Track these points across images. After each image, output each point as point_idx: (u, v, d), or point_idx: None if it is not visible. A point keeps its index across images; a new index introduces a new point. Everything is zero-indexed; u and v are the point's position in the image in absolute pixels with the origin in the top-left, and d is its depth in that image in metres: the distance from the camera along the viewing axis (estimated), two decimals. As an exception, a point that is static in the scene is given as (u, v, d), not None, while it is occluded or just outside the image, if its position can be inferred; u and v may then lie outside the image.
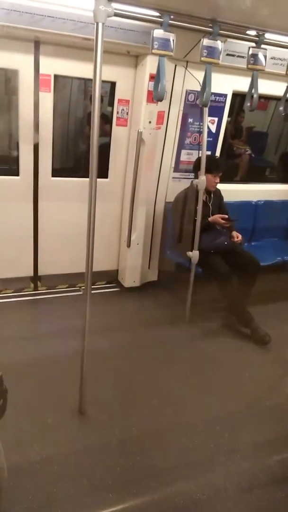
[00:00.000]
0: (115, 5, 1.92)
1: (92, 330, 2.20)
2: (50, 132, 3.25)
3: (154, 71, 2.58)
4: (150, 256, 3.86)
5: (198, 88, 2.91)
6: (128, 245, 3.64)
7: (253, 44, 2.67)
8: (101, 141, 3.20)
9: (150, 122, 3.28)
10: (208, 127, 3.56)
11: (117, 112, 3.41)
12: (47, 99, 3.13)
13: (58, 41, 2.88)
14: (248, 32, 2.64)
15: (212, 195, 3.46)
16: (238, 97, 3.83)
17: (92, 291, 2.15)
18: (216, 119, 3.65)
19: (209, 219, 3.33)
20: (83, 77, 3.25)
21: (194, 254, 3.18)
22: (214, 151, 3.76)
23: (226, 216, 3.36)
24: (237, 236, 3.39)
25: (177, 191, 3.53)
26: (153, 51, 2.39)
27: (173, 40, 2.38)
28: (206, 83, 2.73)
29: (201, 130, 3.26)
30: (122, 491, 1.90)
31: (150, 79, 3.11)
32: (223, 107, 3.65)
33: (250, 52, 2.65)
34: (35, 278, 3.64)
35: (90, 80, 1.92)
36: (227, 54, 3.09)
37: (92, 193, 1.98)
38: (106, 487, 1.91)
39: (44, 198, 3.40)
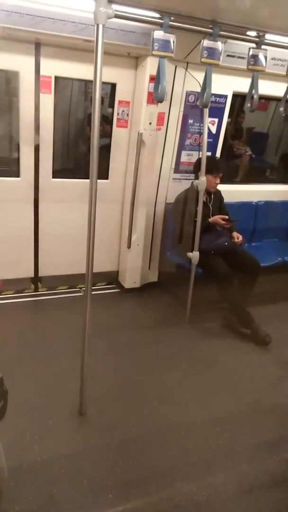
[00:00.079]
0: (115, 6, 1.93)
1: (92, 331, 2.20)
2: (50, 133, 3.26)
3: (154, 73, 2.58)
4: (151, 257, 3.86)
5: (199, 89, 2.91)
6: (129, 246, 3.64)
7: (254, 45, 2.67)
8: (101, 142, 3.21)
9: (150, 123, 3.28)
10: (209, 128, 3.56)
11: (118, 114, 3.42)
12: (47, 101, 3.14)
13: (58, 42, 2.89)
14: (248, 33, 2.64)
15: (212, 196, 3.46)
16: (239, 98, 3.83)
17: (93, 292, 2.15)
18: (216, 120, 3.65)
19: (210, 220, 3.33)
20: (84, 78, 3.26)
21: (195, 255, 3.18)
22: (214, 152, 3.77)
23: (227, 217, 3.36)
24: (238, 237, 3.39)
25: (177, 192, 3.53)
26: (153, 52, 2.40)
27: (173, 41, 2.38)
28: (206, 84, 2.73)
29: (202, 131, 3.27)
30: (122, 491, 1.90)
31: (150, 80, 3.11)
32: (224, 108, 3.65)
33: (251, 53, 2.66)
34: (36, 279, 3.65)
35: (90, 81, 1.93)
36: (228, 55, 3.10)
37: (93, 194, 1.98)
38: (106, 487, 1.91)
39: (44, 199, 3.40)
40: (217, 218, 3.33)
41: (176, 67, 3.23)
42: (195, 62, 2.93)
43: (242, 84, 3.20)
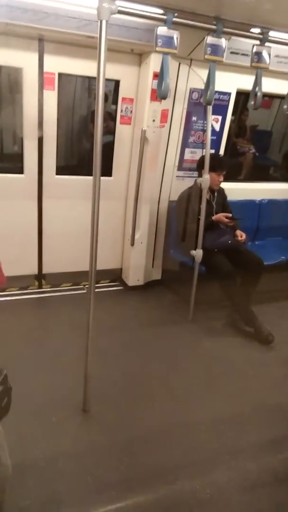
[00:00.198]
0: (118, 2, 1.92)
1: (96, 329, 2.20)
2: (54, 130, 3.26)
3: (158, 69, 2.58)
4: (154, 255, 3.85)
5: (202, 86, 2.90)
6: (132, 244, 3.64)
7: (257, 42, 2.65)
8: (105, 139, 3.20)
9: (154, 120, 3.27)
10: (212, 126, 3.55)
11: (121, 111, 3.41)
12: (51, 97, 3.13)
13: (62, 39, 2.88)
14: (252, 30, 2.63)
15: (215, 194, 3.45)
16: (242, 96, 3.82)
17: (96, 290, 2.16)
18: (220, 117, 3.64)
19: (213, 218, 3.32)
20: (87, 75, 3.25)
21: (198, 253, 3.17)
22: (218, 149, 3.75)
23: (230, 215, 3.35)
24: (241, 235, 3.38)
25: (180, 190, 3.52)
26: (157, 48, 2.39)
27: (177, 38, 2.37)
28: (210, 81, 2.72)
29: (205, 128, 3.26)
30: (126, 489, 1.91)
31: (154, 77, 3.10)
32: (227, 106, 3.63)
33: (254, 50, 2.64)
34: (40, 276, 3.65)
35: (94, 78, 1.91)
36: (231, 52, 3.08)
37: (96, 192, 1.98)
38: (110, 485, 1.91)
39: (48, 196, 3.40)
40: (220, 216, 3.32)
41: (179, 64, 3.22)
42: (199, 59, 2.92)
43: (245, 82, 3.18)
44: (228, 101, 3.62)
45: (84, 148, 3.71)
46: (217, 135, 3.69)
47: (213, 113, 3.36)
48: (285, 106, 3.10)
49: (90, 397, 2.32)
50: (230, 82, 3.50)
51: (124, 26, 2.75)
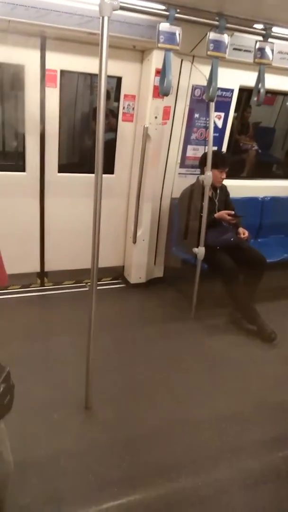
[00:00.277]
0: (121, -2, 1.91)
1: (98, 326, 2.20)
2: (56, 127, 3.25)
3: (160, 66, 2.57)
4: (156, 252, 3.85)
5: (205, 83, 2.89)
6: (134, 241, 3.64)
7: (260, 38, 2.64)
8: (107, 136, 3.18)
9: (156, 117, 3.26)
10: (215, 123, 3.54)
11: (123, 108, 3.40)
12: (53, 95, 3.13)
13: (63, 36, 2.87)
14: (255, 25, 2.62)
15: (218, 191, 3.44)
16: (245, 92, 3.79)
17: (98, 287, 2.15)
18: (222, 114, 3.62)
19: (215, 215, 3.31)
20: (89, 72, 3.24)
21: (200, 250, 3.17)
22: (220, 146, 3.74)
23: (233, 212, 3.34)
24: (244, 233, 3.37)
25: (183, 187, 3.51)
26: (159, 45, 2.38)
27: (179, 34, 2.37)
28: (212, 77, 2.71)
29: (207, 125, 3.24)
30: (128, 486, 1.91)
31: (156, 74, 3.08)
32: (230, 102, 3.62)
33: (257, 46, 2.63)
34: (42, 274, 3.66)
35: (96, 75, 1.90)
36: (234, 49, 3.06)
37: (98, 189, 1.98)
38: (112, 482, 1.91)
39: (50, 194, 3.40)
40: (223, 214, 3.31)
41: (182, 60, 3.20)
42: (201, 56, 2.90)
43: (248, 78, 3.17)
44: (231, 97, 3.60)
45: (86, 145, 3.70)
46: (220, 132, 3.68)
47: (216, 110, 3.35)
48: (288, 103, 3.08)
49: (92, 394, 2.32)
50: (232, 79, 3.48)
51: (126, 22, 2.73)
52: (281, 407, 2.54)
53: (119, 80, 3.33)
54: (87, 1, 2.61)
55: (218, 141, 3.67)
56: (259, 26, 2.62)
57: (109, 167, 3.50)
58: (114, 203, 3.62)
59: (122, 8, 1.94)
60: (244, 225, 3.44)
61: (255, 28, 2.64)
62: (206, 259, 3.20)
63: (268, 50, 2.66)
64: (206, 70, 2.83)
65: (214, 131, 3.43)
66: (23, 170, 3.27)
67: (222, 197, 3.48)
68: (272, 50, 2.67)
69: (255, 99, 2.84)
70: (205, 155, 3.18)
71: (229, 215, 3.30)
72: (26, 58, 2.97)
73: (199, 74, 3.18)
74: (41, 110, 3.11)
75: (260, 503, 1.92)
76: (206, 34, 2.54)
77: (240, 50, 3.14)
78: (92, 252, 2.07)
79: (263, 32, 2.63)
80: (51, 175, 3.35)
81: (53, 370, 2.60)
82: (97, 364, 2.28)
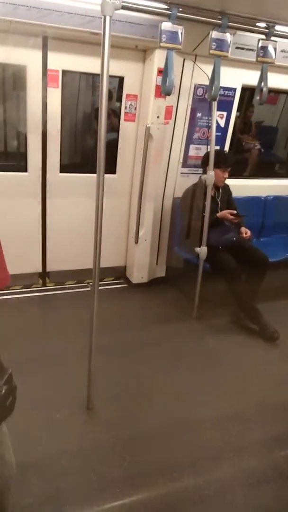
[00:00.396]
0: (122, -2, 1.91)
1: (100, 326, 2.20)
2: (58, 127, 3.25)
3: (162, 66, 2.56)
4: (158, 252, 3.85)
5: (207, 82, 2.88)
6: (136, 241, 3.63)
7: (263, 37, 2.63)
8: (109, 136, 3.18)
9: (158, 117, 3.26)
10: (217, 122, 3.53)
11: (125, 107, 3.39)
12: (55, 95, 3.13)
13: (65, 36, 2.87)
14: (258, 24, 2.61)
15: (220, 191, 3.43)
16: (247, 91, 3.78)
17: (100, 287, 2.15)
18: (225, 113, 3.61)
19: (218, 214, 3.31)
20: (91, 72, 3.24)
21: (202, 250, 3.16)
22: (222, 146, 3.73)
23: (235, 212, 3.33)
24: (246, 232, 3.36)
25: (185, 187, 3.50)
26: (161, 44, 2.38)
27: (181, 33, 2.36)
28: (215, 77, 2.70)
29: (210, 124, 3.23)
30: (130, 486, 1.91)
31: (158, 73, 3.08)
32: (232, 101, 3.60)
33: (260, 44, 2.63)
34: (44, 274, 3.66)
35: (98, 75, 1.90)
36: (236, 47, 3.05)
37: (100, 189, 1.97)
38: (114, 482, 1.91)
39: (52, 194, 3.40)
40: (225, 213, 3.30)
41: (184, 60, 3.20)
42: (204, 55, 2.90)
43: (251, 77, 3.15)
44: (233, 97, 3.59)
45: (88, 145, 3.70)
46: (222, 131, 3.67)
47: (218, 109, 3.33)
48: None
49: (94, 394, 2.32)
50: (235, 78, 3.47)
51: (128, 22, 2.73)
52: (283, 406, 2.54)
53: (121, 79, 3.32)
54: (89, 1, 2.61)
55: (220, 140, 3.66)
56: (262, 24, 2.61)
57: (111, 167, 3.50)
58: (116, 203, 3.62)
59: (124, 8, 1.94)
60: (246, 225, 3.43)
61: (257, 27, 2.63)
62: (209, 258, 3.19)
63: (270, 49, 2.65)
64: (208, 69, 2.82)
65: (217, 130, 3.42)
66: (25, 170, 3.28)
67: (224, 197, 3.47)
68: (275, 49, 2.66)
69: (258, 98, 2.83)
70: (207, 155, 3.17)
71: (231, 214, 3.29)
72: (28, 58, 2.97)
73: (202, 73, 3.17)
74: (43, 110, 3.11)
75: (263, 503, 1.92)
76: (209, 33, 2.53)
77: (242, 48, 3.13)
78: (94, 252, 2.07)
79: (266, 30, 2.62)
80: (53, 175, 3.35)
81: (55, 370, 2.60)
82: (99, 364, 2.28)
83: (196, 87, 3.36)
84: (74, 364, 2.56)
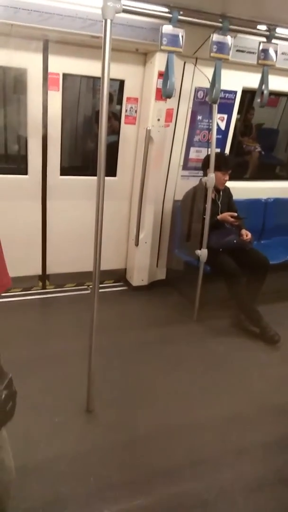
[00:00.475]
0: (123, 1, 1.91)
1: (100, 329, 2.19)
2: (58, 130, 3.25)
3: (163, 69, 2.57)
4: (159, 255, 3.84)
5: (208, 85, 2.88)
6: (136, 244, 3.63)
7: (264, 39, 2.63)
8: (109, 139, 3.18)
9: (158, 120, 3.26)
10: (217, 124, 3.53)
11: (126, 110, 3.40)
12: (55, 98, 3.13)
13: (66, 39, 2.88)
14: (258, 27, 2.61)
15: (221, 193, 3.43)
16: (248, 94, 3.78)
17: (100, 290, 2.15)
18: (225, 116, 3.61)
19: (218, 217, 3.30)
20: (92, 75, 3.24)
21: (203, 253, 3.16)
22: (223, 148, 3.73)
23: (236, 214, 3.32)
24: (247, 234, 3.35)
25: (185, 189, 3.50)
26: (162, 47, 2.38)
27: (182, 36, 2.36)
28: (215, 79, 2.70)
29: (210, 127, 3.23)
30: (129, 490, 1.90)
31: (159, 76, 3.08)
32: (233, 104, 3.61)
33: (261, 47, 2.63)
34: (44, 276, 3.66)
35: (98, 78, 1.90)
36: (237, 50, 3.06)
37: (100, 192, 1.97)
38: (113, 485, 1.91)
39: (52, 196, 3.40)
40: (226, 216, 3.30)
41: (185, 63, 3.20)
42: (204, 58, 2.90)
43: (251, 80, 3.15)
44: (234, 99, 3.59)
45: (88, 148, 3.70)
46: (223, 134, 3.67)
47: (219, 112, 3.34)
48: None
49: (93, 397, 2.32)
50: (235, 81, 3.47)
51: (128, 25, 2.74)
52: (284, 409, 2.53)
53: (121, 83, 3.33)
54: (90, 4, 2.62)
55: (221, 143, 3.67)
56: (263, 27, 2.61)
57: (111, 170, 3.50)
58: (116, 205, 3.61)
59: (125, 11, 1.95)
60: (247, 227, 3.42)
61: (258, 30, 2.63)
62: (209, 261, 3.19)
63: (271, 51, 2.65)
64: (209, 72, 2.83)
65: (217, 133, 3.43)
66: (25, 173, 3.28)
67: (225, 199, 3.47)
68: (276, 51, 2.66)
69: (259, 100, 2.83)
70: (208, 157, 3.17)
71: (232, 217, 3.28)
72: (28, 61, 2.98)
73: (202, 76, 3.17)
74: (44, 113, 3.11)
75: (263, 507, 1.91)
76: (209, 36, 2.54)
77: (243, 51, 3.14)
78: (94, 254, 2.07)
79: (267, 33, 2.62)
80: (53, 178, 3.35)
81: (54, 373, 2.59)
82: (99, 367, 2.28)
83: (197, 90, 3.36)
84: (74, 367, 2.55)
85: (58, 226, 3.50)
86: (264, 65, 2.69)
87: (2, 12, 2.50)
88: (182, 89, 3.30)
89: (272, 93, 3.11)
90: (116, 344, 2.94)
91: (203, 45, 2.90)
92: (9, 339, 2.72)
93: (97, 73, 1.90)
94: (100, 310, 2.16)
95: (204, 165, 3.30)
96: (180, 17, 2.33)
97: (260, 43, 2.63)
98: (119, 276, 3.94)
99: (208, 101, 2.94)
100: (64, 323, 3.18)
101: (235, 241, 3.28)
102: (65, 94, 3.20)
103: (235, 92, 3.55)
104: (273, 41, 2.64)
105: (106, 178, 1.99)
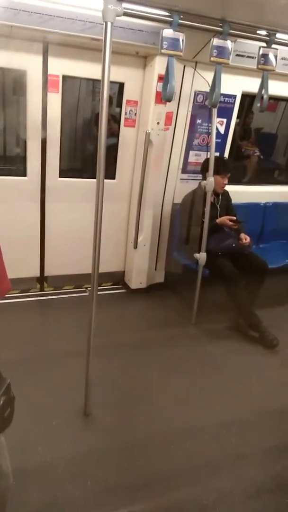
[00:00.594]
0: (124, 4, 1.92)
1: (98, 332, 2.18)
2: (58, 132, 3.25)
3: (163, 72, 2.57)
4: (157, 258, 3.84)
5: (207, 89, 2.89)
6: (135, 247, 3.63)
7: (264, 44, 2.64)
8: (109, 142, 3.18)
9: (158, 123, 3.26)
10: (217, 128, 3.53)
11: (125, 113, 3.40)
12: (55, 100, 3.13)
13: (66, 41, 2.88)
14: (258, 31, 2.62)
15: (220, 197, 3.43)
16: (247, 98, 3.80)
17: (98, 292, 2.14)
18: (224, 120, 3.62)
19: (217, 220, 3.31)
20: (92, 77, 3.25)
21: (202, 256, 3.15)
22: (222, 152, 3.74)
23: (234, 218, 3.33)
24: (245, 238, 3.36)
25: (184, 193, 3.51)
26: (162, 51, 2.38)
27: (182, 40, 2.37)
28: (215, 83, 2.70)
29: (210, 131, 3.24)
30: (127, 494, 1.89)
31: (158, 80, 3.09)
32: (232, 108, 3.62)
33: (261, 52, 2.63)
34: (42, 278, 3.64)
35: (98, 81, 1.90)
36: (237, 55, 3.07)
37: (99, 194, 1.97)
38: (111, 490, 1.89)
39: (51, 199, 3.39)
40: (224, 219, 3.30)
41: (184, 66, 3.21)
42: (204, 62, 2.91)
43: (251, 84, 3.17)
44: (233, 103, 3.60)
45: (87, 150, 3.70)
46: (222, 137, 3.68)
47: (218, 116, 3.33)
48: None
49: (91, 400, 2.30)
50: (235, 85, 3.48)
51: (129, 28, 2.74)
52: (283, 414, 2.52)
53: (121, 85, 3.33)
54: (90, 7, 2.62)
55: (220, 146, 3.67)
56: (263, 32, 2.62)
57: (110, 172, 3.50)
58: (115, 208, 3.61)
59: (125, 14, 1.95)
60: (246, 231, 3.43)
61: (258, 34, 2.64)
62: (208, 264, 3.18)
63: (271, 56, 2.66)
64: (209, 76, 2.83)
65: (216, 137, 3.43)
66: (24, 175, 3.27)
67: (224, 203, 3.47)
68: (276, 56, 2.67)
69: (258, 105, 2.84)
70: (207, 161, 3.18)
71: (230, 220, 3.29)
72: (28, 63, 2.98)
73: (202, 80, 3.18)
74: (43, 115, 3.11)
75: (262, 513, 1.90)
76: (209, 40, 2.54)
77: (243, 56, 3.15)
78: (93, 257, 2.06)
79: (267, 38, 2.63)
80: (52, 180, 3.35)
81: (52, 376, 2.58)
82: (97, 370, 2.26)
83: (196, 94, 3.37)
84: (71, 370, 2.54)
85: (56, 228, 3.49)
86: (264, 70, 2.69)
87: (2, 14, 2.50)
88: (181, 93, 3.31)
89: (271, 97, 3.12)
90: (114, 347, 2.92)
91: (203, 49, 2.91)
92: (6, 341, 2.71)
93: (97, 76, 1.90)
94: (98, 312, 2.15)
95: (203, 168, 3.30)
96: (180, 21, 2.33)
97: (260, 48, 2.64)
98: (118, 278, 3.93)
99: (208, 105, 2.94)
100: (62, 325, 3.17)
101: (234, 244, 3.28)
102: (65, 96, 3.20)
103: (234, 96, 3.57)
104: (273, 46, 2.65)
105: (105, 180, 1.98)
